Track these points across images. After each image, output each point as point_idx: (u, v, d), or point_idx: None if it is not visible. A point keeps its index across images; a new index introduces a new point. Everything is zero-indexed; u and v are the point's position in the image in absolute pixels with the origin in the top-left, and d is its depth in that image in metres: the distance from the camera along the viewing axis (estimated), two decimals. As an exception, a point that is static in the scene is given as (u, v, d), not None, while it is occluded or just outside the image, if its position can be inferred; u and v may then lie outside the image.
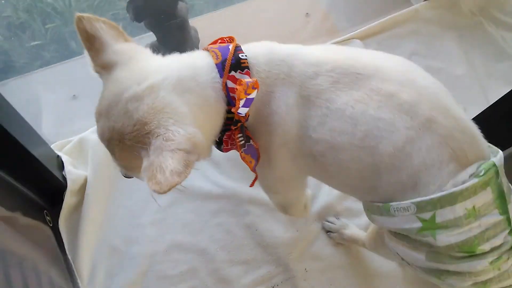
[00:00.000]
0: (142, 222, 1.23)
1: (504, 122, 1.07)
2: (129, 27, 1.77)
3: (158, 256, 1.20)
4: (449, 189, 0.63)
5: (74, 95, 1.42)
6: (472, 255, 0.66)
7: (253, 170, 0.81)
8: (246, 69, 0.70)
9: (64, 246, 1.17)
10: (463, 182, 0.63)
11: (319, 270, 1.22)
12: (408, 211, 0.66)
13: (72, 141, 1.31)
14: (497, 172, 0.64)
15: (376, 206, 0.73)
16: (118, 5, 1.87)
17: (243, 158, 0.77)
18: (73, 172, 1.20)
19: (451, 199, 0.63)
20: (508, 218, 0.65)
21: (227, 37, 0.78)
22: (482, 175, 0.63)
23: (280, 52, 0.74)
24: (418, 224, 0.66)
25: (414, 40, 1.64)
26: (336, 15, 1.67)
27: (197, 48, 1.49)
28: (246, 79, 0.68)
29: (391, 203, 0.68)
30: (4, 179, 1.04)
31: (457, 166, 0.64)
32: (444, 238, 0.65)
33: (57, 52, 1.71)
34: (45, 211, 1.17)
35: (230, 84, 0.69)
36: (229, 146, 0.77)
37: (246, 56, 0.71)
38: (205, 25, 1.59)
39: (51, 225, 1.17)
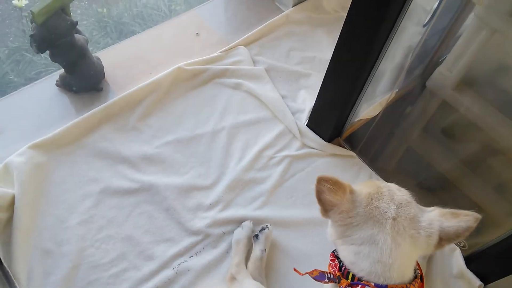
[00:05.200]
0: (70, 225, 1.36)
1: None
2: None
3: (88, 250, 1.33)
4: None
5: (-2, 131, 1.57)
6: None
7: None
8: None
9: (-1, 258, 1.28)
10: None
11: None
12: None
13: (-3, 168, 1.44)
14: None
15: None
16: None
17: None
18: (0, 190, 1.34)
19: None
20: None
21: None
22: None
23: None
24: None
25: (290, 40, 1.94)
26: (221, 30, 1.96)
27: (103, 74, 1.71)
28: None
29: None
30: None
31: None
32: None
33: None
34: (-24, 228, 1.29)
35: None
36: None
37: None
38: (110, 55, 1.81)
39: (-15, 240, 1.29)
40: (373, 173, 1.60)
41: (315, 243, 1.42)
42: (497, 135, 1.75)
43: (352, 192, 0.84)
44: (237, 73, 1.78)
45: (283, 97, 1.75)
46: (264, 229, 1.35)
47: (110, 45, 1.89)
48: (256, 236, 1.34)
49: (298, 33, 1.96)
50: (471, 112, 1.78)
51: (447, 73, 1.76)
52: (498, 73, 1.71)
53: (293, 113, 1.69)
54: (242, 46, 1.86)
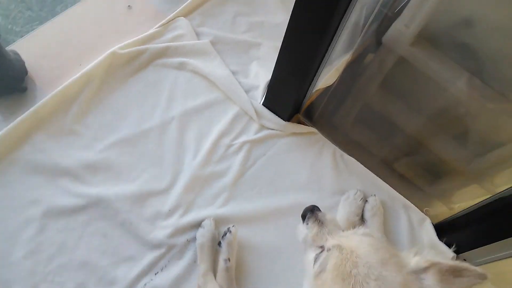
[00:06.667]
0: (15, 259, 1.22)
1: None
2: None
3: (42, 286, 1.20)
4: None
5: None
6: None
7: None
8: None
9: None
10: None
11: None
12: None
13: None
14: None
15: None
16: None
17: None
18: None
19: None
20: None
21: None
22: None
23: None
24: None
25: (236, 3, 1.73)
26: (156, 0, 1.71)
27: (25, 70, 1.46)
28: None
29: None
30: None
31: None
32: None
33: None
34: None
35: None
36: None
37: None
38: (30, 45, 1.55)
39: None
40: (337, 149, 1.52)
41: (285, 234, 1.36)
42: (456, 89, 1.70)
43: None
44: (179, 50, 1.58)
45: (233, 73, 1.58)
46: (226, 234, 1.26)
47: (33, 20, 1.59)
48: (219, 243, 1.25)
49: (243, -6, 1.75)
50: (429, 67, 1.70)
51: (403, 28, 1.65)
52: (458, 26, 1.61)
53: (246, 91, 1.55)
54: (182, 17, 1.64)
